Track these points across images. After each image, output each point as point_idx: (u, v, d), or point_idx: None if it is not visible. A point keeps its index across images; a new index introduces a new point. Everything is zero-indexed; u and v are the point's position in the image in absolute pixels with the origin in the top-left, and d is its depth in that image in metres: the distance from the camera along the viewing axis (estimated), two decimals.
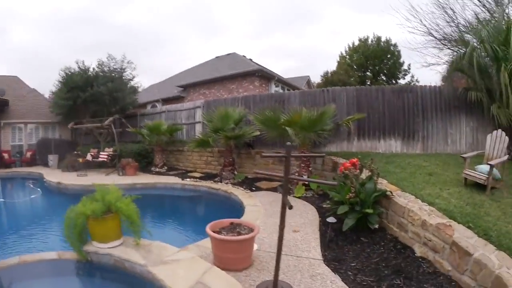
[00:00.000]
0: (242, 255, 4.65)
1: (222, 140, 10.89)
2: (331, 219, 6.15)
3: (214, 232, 4.75)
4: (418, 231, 5.22)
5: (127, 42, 73.30)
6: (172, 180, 12.14)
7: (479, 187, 6.56)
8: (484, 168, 6.47)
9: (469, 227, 4.76)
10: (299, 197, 8.82)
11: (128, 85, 18.75)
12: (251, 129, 10.88)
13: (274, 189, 10.05)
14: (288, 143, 3.58)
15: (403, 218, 5.63)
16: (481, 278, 3.88)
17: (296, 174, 9.28)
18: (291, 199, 8.74)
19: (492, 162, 6.27)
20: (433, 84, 11.27)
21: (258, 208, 7.92)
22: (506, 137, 6.89)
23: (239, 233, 4.79)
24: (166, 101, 23.72)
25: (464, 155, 7.03)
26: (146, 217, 8.28)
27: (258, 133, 10.43)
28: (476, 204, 5.70)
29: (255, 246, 5.26)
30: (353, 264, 4.91)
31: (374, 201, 6.17)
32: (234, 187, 10.50)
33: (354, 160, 6.95)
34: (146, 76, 74.29)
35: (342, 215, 6.16)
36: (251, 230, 4.88)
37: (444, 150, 10.59)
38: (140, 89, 20.60)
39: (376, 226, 5.97)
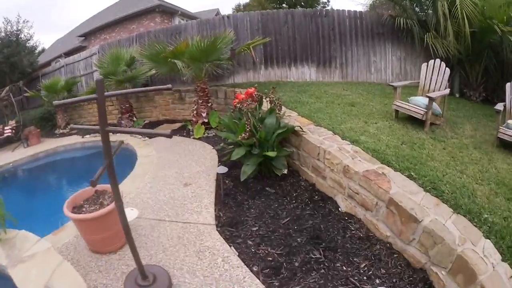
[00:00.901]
0: (108, 234, 3.44)
1: (113, 85, 9.30)
2: (221, 169, 4.72)
3: (74, 208, 3.55)
4: (340, 180, 4.02)
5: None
6: (73, 140, 10.49)
7: (414, 122, 5.55)
8: (421, 100, 5.54)
9: (410, 177, 3.53)
10: (199, 138, 7.63)
11: (26, 46, 16.28)
12: (143, 69, 9.32)
13: (175, 131, 8.84)
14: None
15: (319, 160, 4.45)
16: (435, 256, 2.74)
17: (194, 112, 8.00)
18: (190, 141, 7.56)
19: (432, 95, 5.30)
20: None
21: (151, 159, 6.74)
22: (447, 68, 5.97)
23: (102, 205, 3.55)
24: (68, 54, 20.87)
25: (394, 84, 6.06)
26: (35, 194, 7.65)
27: (153, 71, 8.87)
28: (414, 143, 4.61)
29: (134, 214, 4.20)
30: (254, 229, 3.76)
31: (279, 140, 4.99)
32: (132, 136, 9.13)
33: (251, 90, 5.60)
34: (54, 32, 66.96)
35: (239, 161, 4.96)
36: None
37: (368, 79, 9.98)
38: (42, 47, 18.05)
39: (285, 172, 4.82)
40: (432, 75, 6.19)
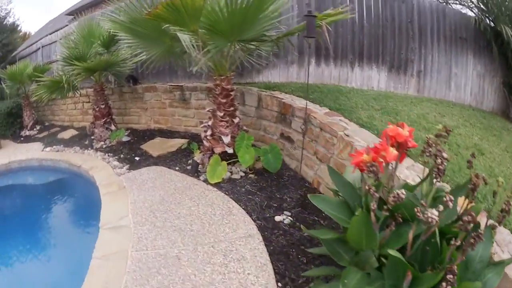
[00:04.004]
0: None
1: (82, 76, 5.44)
2: None
3: None
4: None
5: None
6: (32, 152, 6.68)
7: None
8: None
9: None
10: (216, 185, 3.88)
11: (2, 23, 12.49)
12: (126, 53, 5.41)
13: (173, 155, 5.05)
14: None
15: None
16: None
17: (208, 132, 4.14)
18: (198, 189, 3.78)
19: None
20: None
21: (123, 240, 3.09)
22: None
23: None
24: None
25: None
26: None
27: (144, 57, 4.84)
28: None
29: None
30: None
31: None
32: (106, 156, 5.42)
33: (403, 133, 1.76)
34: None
35: None
36: None
37: (446, 96, 6.50)
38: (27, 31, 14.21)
39: None
40: None
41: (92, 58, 5.44)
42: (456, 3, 8.20)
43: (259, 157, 4.03)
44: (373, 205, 1.55)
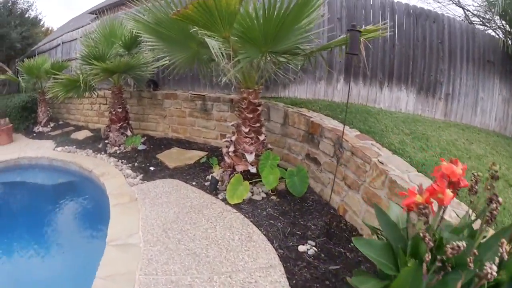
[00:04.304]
0: None
1: (100, 77, 5.18)
2: None
3: None
4: None
5: None
6: (43, 149, 6.46)
7: None
8: None
9: None
10: (236, 205, 3.56)
11: (24, 16, 12.34)
12: (147, 56, 5.13)
13: (190, 168, 4.73)
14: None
15: None
16: None
17: (231, 148, 3.82)
18: (216, 209, 3.47)
19: None
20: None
21: (128, 261, 2.80)
22: None
23: None
24: None
25: None
26: None
27: (167, 62, 4.57)
28: None
29: None
30: None
31: None
32: (120, 163, 5.12)
33: (457, 171, 1.64)
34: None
35: None
36: None
37: (472, 121, 6.12)
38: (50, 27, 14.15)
39: None
40: None
41: (111, 59, 5.19)
42: (480, 24, 7.83)
43: (281, 177, 3.70)
44: (428, 257, 1.37)
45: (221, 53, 3.21)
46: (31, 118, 9.15)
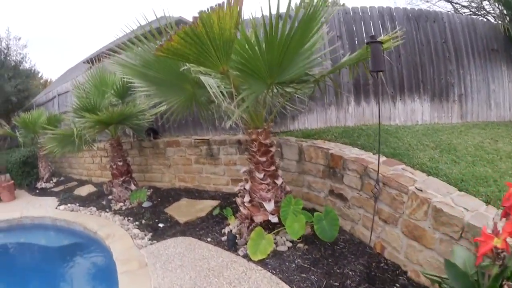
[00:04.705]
0: None
1: (95, 129, 4.80)
2: None
3: None
4: None
5: None
6: (46, 208, 6.07)
7: None
8: None
9: None
10: (260, 262, 3.03)
11: (18, 68, 12.24)
12: (143, 104, 4.77)
13: (203, 221, 4.23)
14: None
15: None
16: None
17: (246, 198, 3.35)
18: (237, 267, 2.97)
19: None
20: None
21: None
22: None
23: None
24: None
25: None
26: None
27: (164, 107, 4.18)
28: None
29: None
30: None
31: None
32: (126, 221, 4.66)
33: None
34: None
35: None
36: None
37: (488, 117, 5.76)
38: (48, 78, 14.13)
39: None
40: None
41: (104, 109, 4.82)
42: (472, 14, 7.55)
43: (306, 221, 3.23)
44: None
45: (221, 91, 2.80)
46: (33, 174, 8.85)
